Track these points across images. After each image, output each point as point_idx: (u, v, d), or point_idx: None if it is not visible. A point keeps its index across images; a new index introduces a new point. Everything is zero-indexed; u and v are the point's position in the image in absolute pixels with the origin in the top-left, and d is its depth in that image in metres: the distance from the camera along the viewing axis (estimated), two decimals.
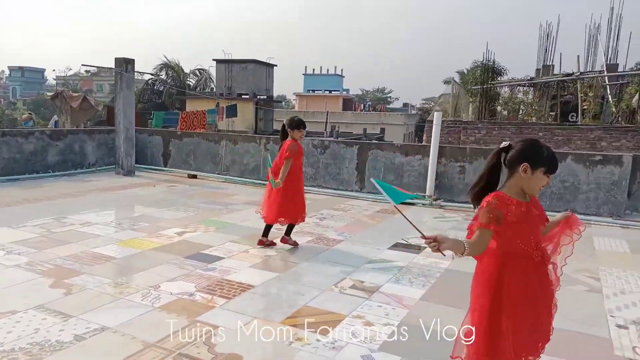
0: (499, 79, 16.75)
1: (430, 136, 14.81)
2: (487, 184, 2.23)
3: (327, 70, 55.58)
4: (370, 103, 55.99)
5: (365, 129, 27.65)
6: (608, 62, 17.65)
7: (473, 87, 16.49)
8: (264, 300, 3.85)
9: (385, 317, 3.58)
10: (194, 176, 10.63)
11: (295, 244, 5.40)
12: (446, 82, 42.70)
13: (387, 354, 3.03)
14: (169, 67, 37.49)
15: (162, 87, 35.05)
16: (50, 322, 3.26)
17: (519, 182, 2.17)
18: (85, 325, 3.24)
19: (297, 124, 5.19)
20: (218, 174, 10.68)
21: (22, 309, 3.44)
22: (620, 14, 17.45)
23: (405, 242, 5.69)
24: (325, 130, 29.98)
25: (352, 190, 9.09)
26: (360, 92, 71.21)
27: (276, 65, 32.36)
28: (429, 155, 8.42)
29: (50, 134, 10.32)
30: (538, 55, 18.92)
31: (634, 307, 3.85)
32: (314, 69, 56.34)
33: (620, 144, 12.19)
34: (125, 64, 10.60)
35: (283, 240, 5.38)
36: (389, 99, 72.36)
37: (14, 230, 5.52)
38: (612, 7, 17.83)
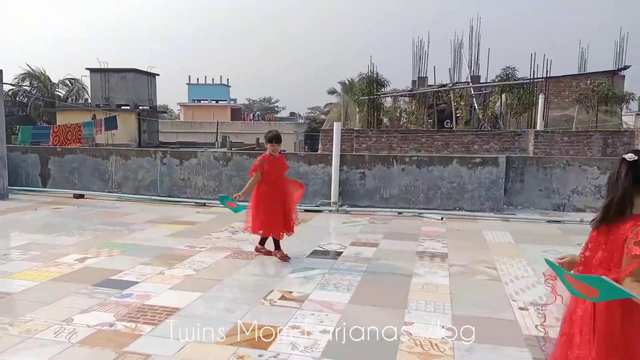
0: (382, 89, 17.99)
1: (326, 145, 15.37)
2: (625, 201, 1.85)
3: (212, 79, 54.51)
4: (259, 113, 56.08)
5: (257, 139, 27.62)
6: (472, 74, 19.95)
7: (361, 98, 17.50)
8: (194, 322, 3.69)
9: (321, 324, 3.67)
10: (81, 196, 9.74)
11: (268, 253, 5.43)
12: (330, 92, 44.49)
13: (331, 359, 3.12)
14: (33, 76, 33.81)
15: (27, 98, 31.42)
16: None
17: None
18: None
19: (270, 138, 5.15)
20: (108, 192, 9.92)
21: None
22: (479, 32, 19.88)
23: (322, 249, 5.85)
24: (217, 140, 29.38)
25: None
26: (247, 102, 71.00)
27: (158, 75, 30.88)
28: (331, 164, 8.74)
29: None
30: (413, 68, 20.73)
31: (529, 290, 4.43)
32: (198, 79, 54.88)
33: (490, 146, 13.84)
34: None
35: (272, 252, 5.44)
36: (276, 109, 73.17)
37: None
38: (472, 26, 20.25)
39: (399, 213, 8.21)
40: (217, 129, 31.53)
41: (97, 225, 7.00)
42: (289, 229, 5.32)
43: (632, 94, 19.41)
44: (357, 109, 18.92)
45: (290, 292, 4.35)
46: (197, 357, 3.10)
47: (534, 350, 3.26)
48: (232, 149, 23.69)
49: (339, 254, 5.67)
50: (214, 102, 51.41)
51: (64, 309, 3.83)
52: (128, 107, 26.02)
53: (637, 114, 28.28)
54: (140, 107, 26.76)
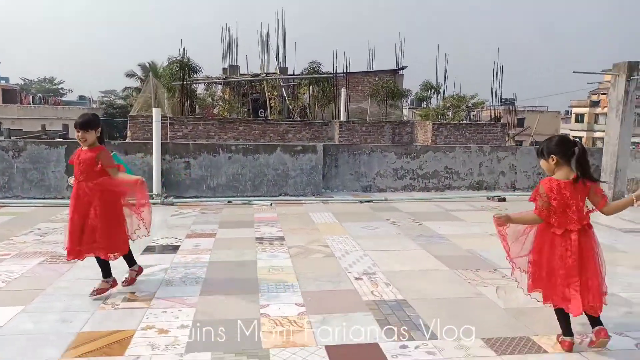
0: (195, 76, 17.46)
1: (136, 133, 14.28)
2: None
3: None
4: (40, 95, 48.19)
5: (44, 125, 23.87)
6: (280, 66, 20.88)
7: (173, 83, 16.65)
8: (22, 341, 3.15)
9: (177, 320, 3.53)
10: None
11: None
12: (129, 75, 41.07)
13: (197, 353, 3.05)
14: None
15: None
16: None
17: None
18: None
19: (74, 124, 4.02)
20: None
21: None
22: (284, 26, 20.89)
23: (157, 244, 5.53)
24: None
25: (63, 198, 7.95)
26: (22, 82, 60.51)
27: None
28: (151, 153, 8.22)
29: None
30: (223, 55, 20.63)
31: (359, 262, 5.01)
32: None
33: (302, 135, 14.80)
34: None
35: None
36: (61, 91, 64.19)
37: None
38: (277, 19, 21.17)
39: (229, 202, 8.23)
40: None
41: None
42: (84, 252, 3.94)
43: (409, 90, 23.05)
44: (167, 94, 17.96)
45: (134, 293, 4.04)
46: None
47: (375, 312, 3.75)
48: (12, 137, 20.03)
49: (176, 247, 5.44)
50: None
51: None
52: None
53: (410, 108, 33.74)
54: None
